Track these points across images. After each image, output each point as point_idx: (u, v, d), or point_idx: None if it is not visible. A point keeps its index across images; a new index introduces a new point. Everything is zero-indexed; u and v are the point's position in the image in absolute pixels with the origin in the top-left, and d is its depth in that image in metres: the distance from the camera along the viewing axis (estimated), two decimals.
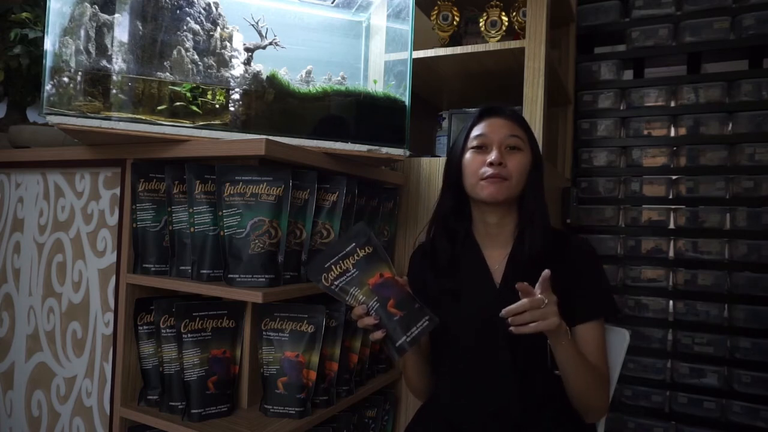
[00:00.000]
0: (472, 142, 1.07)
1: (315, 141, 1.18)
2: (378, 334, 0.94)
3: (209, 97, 1.13)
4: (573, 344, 0.95)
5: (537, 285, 0.90)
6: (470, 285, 1.07)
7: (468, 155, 1.07)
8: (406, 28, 1.32)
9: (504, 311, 0.89)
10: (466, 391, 1.06)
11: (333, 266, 0.97)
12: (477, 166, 1.05)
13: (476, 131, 1.08)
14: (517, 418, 1.00)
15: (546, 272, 0.90)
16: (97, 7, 1.06)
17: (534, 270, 1.01)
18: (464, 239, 1.12)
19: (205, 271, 1.14)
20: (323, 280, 0.97)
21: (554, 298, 0.90)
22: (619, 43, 2.16)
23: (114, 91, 1.07)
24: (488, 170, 1.03)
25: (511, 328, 0.89)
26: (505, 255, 1.08)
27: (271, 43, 1.22)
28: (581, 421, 1.05)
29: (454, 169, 1.10)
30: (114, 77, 1.07)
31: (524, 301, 0.88)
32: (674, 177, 1.99)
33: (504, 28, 1.63)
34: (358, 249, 0.97)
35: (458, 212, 1.12)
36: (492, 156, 1.03)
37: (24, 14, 1.45)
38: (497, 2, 1.64)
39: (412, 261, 1.21)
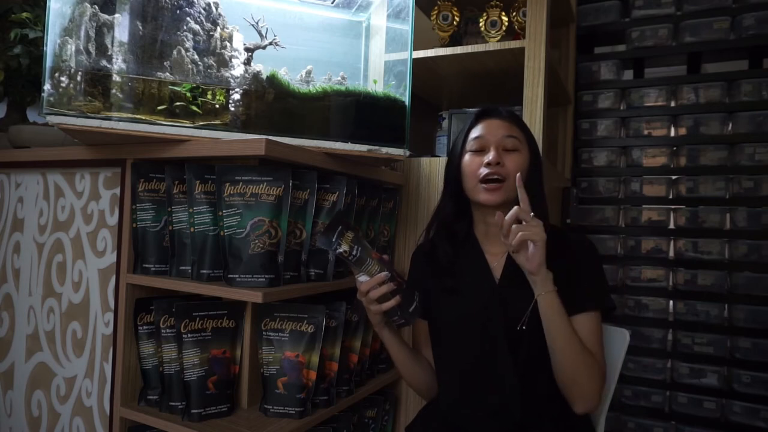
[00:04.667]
0: (470, 145, 1.07)
1: (315, 141, 1.18)
2: (392, 302, 1.00)
3: (209, 97, 1.13)
4: (559, 299, 0.95)
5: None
6: (470, 282, 1.08)
7: (466, 158, 1.08)
8: (406, 28, 1.32)
9: (506, 218, 0.95)
10: (467, 390, 1.06)
11: (341, 240, 0.99)
12: (475, 168, 1.05)
13: (474, 133, 1.08)
14: (518, 418, 1.01)
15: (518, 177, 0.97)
16: (97, 7, 1.06)
17: None
18: (465, 238, 1.12)
19: (205, 271, 1.14)
20: (339, 251, 0.98)
21: (540, 221, 0.95)
22: (619, 43, 2.16)
23: (114, 91, 1.07)
24: (485, 170, 1.03)
25: (509, 242, 0.96)
26: (505, 252, 1.08)
27: (271, 43, 1.22)
28: (582, 422, 1.05)
29: (453, 172, 1.11)
30: (114, 77, 1.07)
31: (512, 210, 0.95)
32: (674, 177, 1.99)
33: (504, 28, 1.63)
34: (345, 232, 1.00)
35: (459, 214, 1.13)
36: (489, 156, 1.03)
37: (24, 14, 1.45)
38: (497, 2, 1.64)
39: (413, 259, 1.21)
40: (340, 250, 0.97)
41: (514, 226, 0.94)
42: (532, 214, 0.95)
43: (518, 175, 0.98)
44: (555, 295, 0.95)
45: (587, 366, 0.97)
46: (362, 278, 1.01)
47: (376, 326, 1.08)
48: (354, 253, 0.98)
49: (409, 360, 1.13)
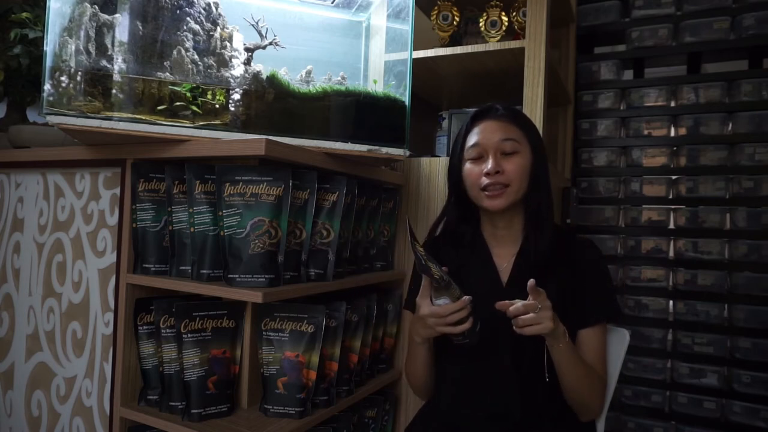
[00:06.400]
0: (468, 153, 1.06)
1: (315, 141, 1.18)
2: (467, 325, 0.95)
3: (209, 97, 1.13)
4: (570, 346, 0.95)
5: (529, 290, 0.91)
6: (477, 284, 1.07)
7: (467, 166, 1.07)
8: (406, 28, 1.32)
9: (511, 309, 0.90)
10: (468, 392, 1.06)
11: (430, 262, 0.93)
12: (476, 177, 1.04)
13: (471, 140, 1.07)
14: (518, 420, 1.00)
15: (531, 282, 0.90)
16: (97, 7, 1.06)
17: (541, 269, 1.01)
18: (472, 239, 1.12)
19: (205, 271, 1.14)
20: (432, 274, 0.93)
21: (548, 304, 0.91)
22: (619, 43, 2.16)
23: (114, 90, 1.07)
24: (486, 180, 1.02)
25: (514, 328, 0.90)
26: (513, 254, 1.08)
27: (271, 43, 1.22)
28: (581, 423, 1.05)
29: (455, 178, 1.10)
30: (114, 77, 1.07)
31: (518, 305, 0.89)
32: (674, 177, 1.99)
33: (504, 28, 1.63)
34: (415, 243, 0.94)
35: (464, 219, 1.13)
36: (488, 166, 1.02)
37: (24, 14, 1.45)
38: (497, 2, 1.64)
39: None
40: (433, 273, 0.91)
41: (520, 318, 0.90)
42: (539, 306, 0.90)
43: (530, 281, 0.90)
44: (567, 346, 0.94)
45: (592, 387, 1.00)
46: (442, 301, 0.95)
47: (425, 341, 1.05)
48: (445, 277, 0.92)
49: (429, 360, 1.11)
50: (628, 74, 2.15)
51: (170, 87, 1.09)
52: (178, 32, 1.11)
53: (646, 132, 2.03)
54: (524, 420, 1.00)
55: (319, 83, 1.23)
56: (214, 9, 1.17)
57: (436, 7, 1.73)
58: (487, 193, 1.03)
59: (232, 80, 1.15)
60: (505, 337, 1.01)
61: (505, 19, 1.63)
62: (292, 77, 1.21)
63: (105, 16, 1.07)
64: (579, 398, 1.00)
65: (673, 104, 2.00)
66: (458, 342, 0.99)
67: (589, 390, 0.99)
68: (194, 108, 1.11)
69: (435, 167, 1.56)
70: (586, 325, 1.02)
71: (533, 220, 1.06)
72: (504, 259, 1.08)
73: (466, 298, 0.94)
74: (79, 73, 1.05)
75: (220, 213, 1.10)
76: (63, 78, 1.05)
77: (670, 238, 1.97)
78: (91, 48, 1.05)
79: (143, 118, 1.08)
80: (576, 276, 1.03)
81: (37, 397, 1.38)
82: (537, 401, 1.01)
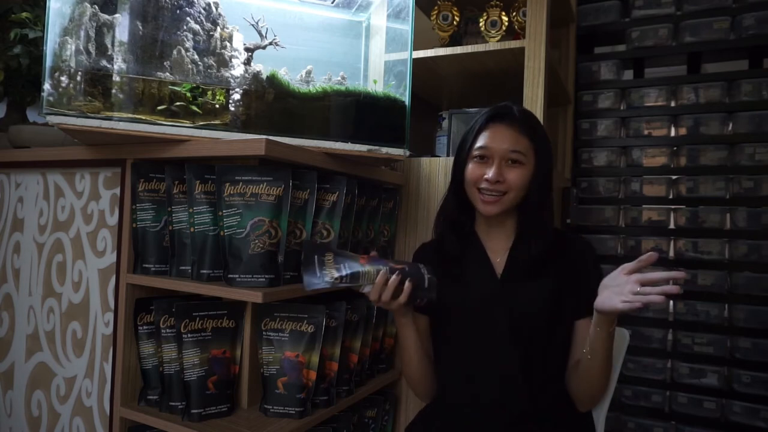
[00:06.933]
0: (475, 152, 1.07)
1: (315, 141, 1.18)
2: (406, 293, 0.98)
3: (209, 97, 1.13)
4: (613, 333, 0.97)
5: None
6: (473, 277, 1.09)
7: (470, 165, 1.07)
8: (406, 28, 1.32)
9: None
10: (468, 383, 1.06)
11: (325, 269, 0.98)
12: (476, 177, 1.05)
13: (480, 141, 1.06)
14: (518, 410, 1.01)
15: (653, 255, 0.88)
16: (97, 7, 1.06)
17: (534, 264, 1.03)
18: (469, 233, 1.13)
19: (205, 271, 1.14)
20: (331, 281, 0.97)
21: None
22: (619, 43, 2.16)
23: (114, 91, 1.07)
24: (485, 185, 1.04)
25: (640, 288, 0.86)
26: (507, 248, 1.09)
27: (271, 43, 1.22)
28: (582, 416, 1.06)
29: (458, 173, 1.11)
30: (114, 77, 1.07)
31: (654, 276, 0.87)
32: (674, 177, 1.99)
33: (504, 28, 1.63)
34: (324, 256, 1.00)
35: (463, 208, 1.14)
36: (490, 173, 1.03)
37: (24, 14, 1.45)
38: (497, 2, 1.64)
39: (416, 255, 1.21)
40: (331, 280, 0.96)
41: (648, 288, 0.86)
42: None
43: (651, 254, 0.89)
44: (613, 334, 0.95)
45: (606, 377, 1.01)
46: (366, 289, 1.00)
47: (402, 317, 1.08)
48: (344, 273, 0.97)
49: (419, 348, 1.11)
50: (628, 74, 2.15)
51: (170, 87, 1.09)
52: (178, 32, 1.11)
53: (646, 132, 2.03)
54: (525, 413, 1.01)
55: (319, 83, 1.23)
56: (214, 9, 1.17)
57: (436, 7, 1.73)
58: (482, 196, 1.04)
59: (232, 80, 1.15)
60: (506, 330, 1.02)
61: (505, 19, 1.63)
62: (292, 77, 1.21)
63: (105, 16, 1.07)
64: (595, 386, 1.01)
65: (673, 104, 2.00)
66: (420, 305, 1.04)
67: (603, 380, 1.01)
68: (194, 108, 1.11)
69: (435, 167, 1.56)
70: (581, 316, 1.04)
71: (527, 225, 1.08)
72: (497, 254, 1.10)
73: (379, 275, 0.98)
74: (79, 73, 1.05)
75: (220, 213, 1.10)
76: (63, 78, 1.05)
77: (670, 238, 1.97)
78: (91, 48, 1.06)
79: (143, 118, 1.08)
80: (569, 272, 1.05)
81: (37, 397, 1.38)
82: (538, 395, 1.02)
